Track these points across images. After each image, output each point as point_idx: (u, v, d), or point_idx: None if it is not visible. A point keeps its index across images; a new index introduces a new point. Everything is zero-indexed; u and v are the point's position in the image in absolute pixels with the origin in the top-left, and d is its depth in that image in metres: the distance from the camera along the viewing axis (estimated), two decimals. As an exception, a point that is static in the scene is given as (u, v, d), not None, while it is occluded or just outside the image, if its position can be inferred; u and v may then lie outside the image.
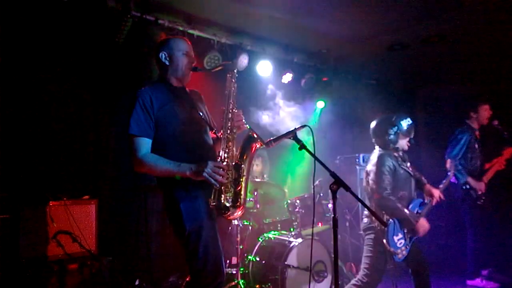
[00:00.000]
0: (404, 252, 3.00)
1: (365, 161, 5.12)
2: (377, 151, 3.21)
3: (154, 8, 3.88)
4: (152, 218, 3.99)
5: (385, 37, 4.70)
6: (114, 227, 3.73)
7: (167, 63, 2.29)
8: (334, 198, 2.02)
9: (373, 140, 3.26)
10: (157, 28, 3.84)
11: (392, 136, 3.12)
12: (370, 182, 3.12)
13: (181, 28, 4.08)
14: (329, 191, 2.00)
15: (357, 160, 5.15)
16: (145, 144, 2.12)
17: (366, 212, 3.16)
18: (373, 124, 3.25)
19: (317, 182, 4.01)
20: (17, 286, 2.90)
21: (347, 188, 2.13)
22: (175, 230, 2.16)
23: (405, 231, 3.05)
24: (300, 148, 2.10)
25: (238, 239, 3.62)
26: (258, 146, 2.24)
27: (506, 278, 4.36)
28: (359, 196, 2.40)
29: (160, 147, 2.15)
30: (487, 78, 5.87)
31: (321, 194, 4.18)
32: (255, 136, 2.23)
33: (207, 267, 2.07)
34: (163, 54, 2.28)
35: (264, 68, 4.70)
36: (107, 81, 3.85)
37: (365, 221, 3.15)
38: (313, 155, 2.08)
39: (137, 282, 3.51)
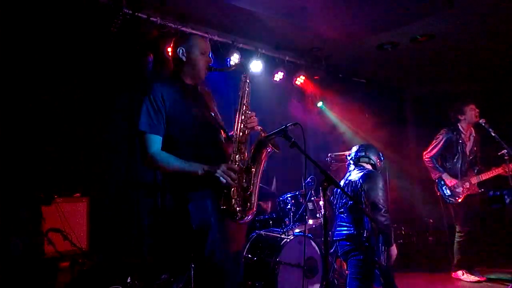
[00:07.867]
0: None
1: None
2: None
3: (146, 5, 3.87)
4: (144, 215, 3.99)
5: (375, 36, 4.75)
6: (106, 224, 3.71)
7: (184, 59, 2.24)
8: (325, 195, 2.05)
9: None
10: (149, 26, 3.84)
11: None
12: None
13: (173, 26, 4.07)
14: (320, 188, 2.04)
15: (347, 157, 5.18)
16: (156, 141, 2.09)
17: None
18: None
19: (308, 179, 4.04)
20: (8, 284, 2.88)
21: (338, 186, 2.18)
22: (180, 230, 2.15)
23: None
24: (291, 146, 2.12)
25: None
26: (269, 150, 2.20)
27: (487, 271, 4.48)
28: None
29: (171, 144, 2.12)
30: (476, 77, 5.97)
31: (313, 192, 4.22)
32: (269, 139, 2.18)
33: (212, 268, 2.02)
34: (180, 50, 2.24)
35: (256, 65, 4.74)
36: (98, 79, 3.83)
37: None
38: (304, 152, 2.11)
39: (128, 280, 3.51)
